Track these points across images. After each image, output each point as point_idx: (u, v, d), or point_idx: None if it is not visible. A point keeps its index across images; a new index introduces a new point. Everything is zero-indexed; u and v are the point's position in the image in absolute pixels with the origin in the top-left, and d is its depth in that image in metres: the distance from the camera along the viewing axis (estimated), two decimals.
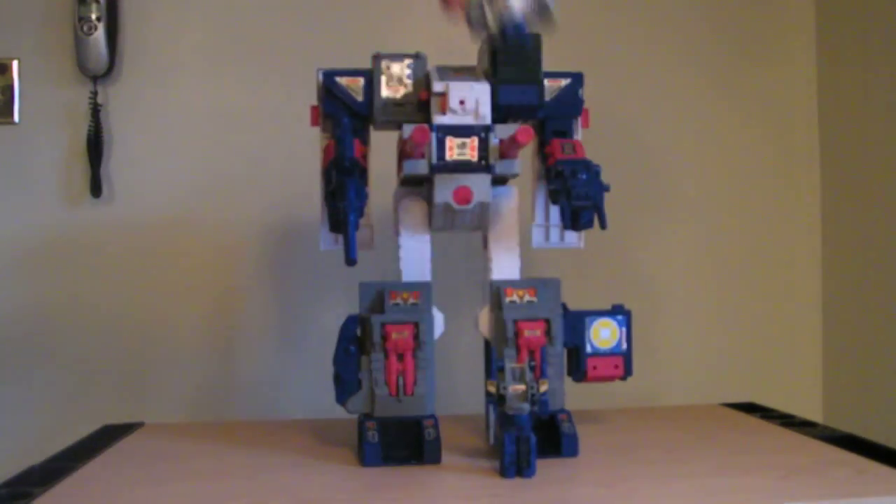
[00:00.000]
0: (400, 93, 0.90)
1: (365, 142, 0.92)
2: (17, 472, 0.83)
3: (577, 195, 0.86)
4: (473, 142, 0.86)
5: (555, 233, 0.98)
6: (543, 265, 1.16)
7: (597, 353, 0.92)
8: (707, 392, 1.30)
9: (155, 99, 1.27)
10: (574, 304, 0.93)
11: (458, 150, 0.86)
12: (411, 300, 0.88)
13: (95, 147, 1.24)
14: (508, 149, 0.85)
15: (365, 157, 0.91)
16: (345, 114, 0.91)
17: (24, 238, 1.25)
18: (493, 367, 0.90)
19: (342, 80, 0.91)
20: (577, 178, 0.87)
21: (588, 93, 0.96)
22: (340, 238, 0.84)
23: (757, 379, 1.36)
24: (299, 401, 1.27)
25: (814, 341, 1.40)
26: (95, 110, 1.24)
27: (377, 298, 0.88)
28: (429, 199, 0.91)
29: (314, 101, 0.94)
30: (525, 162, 0.92)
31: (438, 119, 0.87)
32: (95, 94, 1.24)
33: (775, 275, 1.39)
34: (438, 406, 0.88)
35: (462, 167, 0.87)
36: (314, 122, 0.93)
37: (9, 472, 0.83)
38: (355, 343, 0.87)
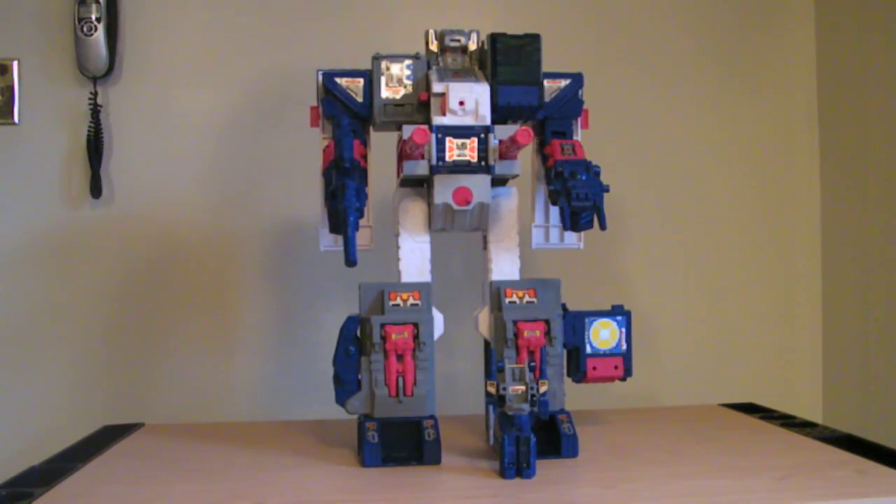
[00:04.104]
0: (400, 94, 0.90)
1: (364, 142, 0.92)
2: (17, 472, 0.83)
3: (576, 196, 0.87)
4: (473, 142, 0.87)
5: (554, 233, 0.98)
6: (543, 265, 1.16)
7: (596, 354, 0.92)
8: (707, 392, 1.30)
9: (155, 100, 1.27)
10: (574, 305, 0.93)
11: (458, 150, 0.86)
12: (411, 301, 0.88)
13: (95, 147, 1.24)
14: (508, 150, 0.86)
15: (364, 157, 0.91)
16: (344, 115, 0.91)
17: (24, 238, 1.25)
18: (492, 368, 0.90)
19: (342, 81, 0.91)
20: (576, 179, 0.87)
21: (588, 93, 0.96)
22: (340, 239, 0.84)
23: (757, 379, 1.36)
24: (299, 401, 1.27)
25: (814, 341, 1.40)
26: (95, 111, 1.23)
27: (377, 299, 0.88)
28: (429, 200, 0.91)
29: (314, 102, 0.94)
30: (525, 163, 0.92)
31: (438, 120, 0.87)
32: (95, 94, 1.24)
33: (775, 275, 1.39)
34: (438, 406, 0.89)
35: (462, 168, 0.87)
36: (314, 123, 0.93)
37: (9, 472, 0.83)
38: (355, 344, 0.87)
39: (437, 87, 0.88)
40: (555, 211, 0.96)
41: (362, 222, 0.86)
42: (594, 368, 0.92)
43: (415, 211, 0.93)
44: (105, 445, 0.96)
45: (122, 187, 1.26)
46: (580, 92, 0.95)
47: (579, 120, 0.96)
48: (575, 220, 0.88)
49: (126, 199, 1.26)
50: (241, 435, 1.02)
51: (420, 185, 0.93)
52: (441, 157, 0.86)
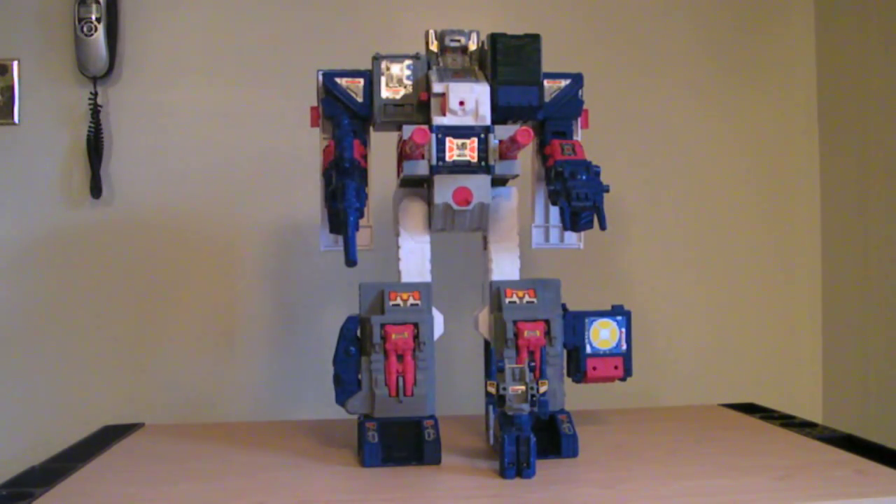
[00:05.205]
0: (400, 94, 0.90)
1: (365, 142, 0.92)
2: (17, 472, 0.83)
3: (576, 196, 0.87)
4: (473, 143, 0.87)
5: (554, 233, 0.98)
6: (543, 265, 1.16)
7: (596, 354, 0.92)
8: (707, 392, 1.30)
9: (155, 100, 1.27)
10: (574, 305, 0.93)
11: (458, 150, 0.86)
12: (411, 301, 0.88)
13: (95, 147, 1.24)
14: (508, 150, 0.86)
15: (365, 157, 0.91)
16: (345, 115, 0.91)
17: (24, 238, 1.25)
18: (492, 368, 0.90)
19: (342, 81, 0.91)
20: (576, 179, 0.87)
21: (588, 93, 0.96)
22: (340, 239, 0.84)
23: (757, 379, 1.36)
24: (299, 401, 1.27)
25: (814, 341, 1.40)
26: (95, 111, 1.24)
27: (377, 299, 0.88)
28: (429, 200, 0.91)
29: (314, 102, 0.94)
30: (525, 163, 0.92)
31: (438, 120, 0.87)
32: (95, 94, 1.24)
33: (775, 275, 1.39)
34: (438, 406, 0.89)
35: (462, 168, 0.87)
36: (314, 123, 0.93)
37: (9, 472, 0.83)
38: (355, 344, 0.87)
39: (437, 88, 0.88)
40: (555, 211, 0.96)
41: (362, 222, 0.86)
42: (594, 368, 0.92)
43: (415, 211, 0.93)
44: (105, 445, 0.96)
45: (122, 187, 1.26)
46: (580, 92, 0.95)
47: (579, 120, 0.96)
48: (575, 220, 0.88)
49: (126, 198, 1.26)
50: (241, 435, 1.02)
51: (420, 185, 0.93)
52: (441, 157, 0.86)
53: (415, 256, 0.92)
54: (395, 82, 0.90)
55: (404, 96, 0.90)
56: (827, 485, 0.77)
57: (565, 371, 0.92)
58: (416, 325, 0.86)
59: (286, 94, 1.26)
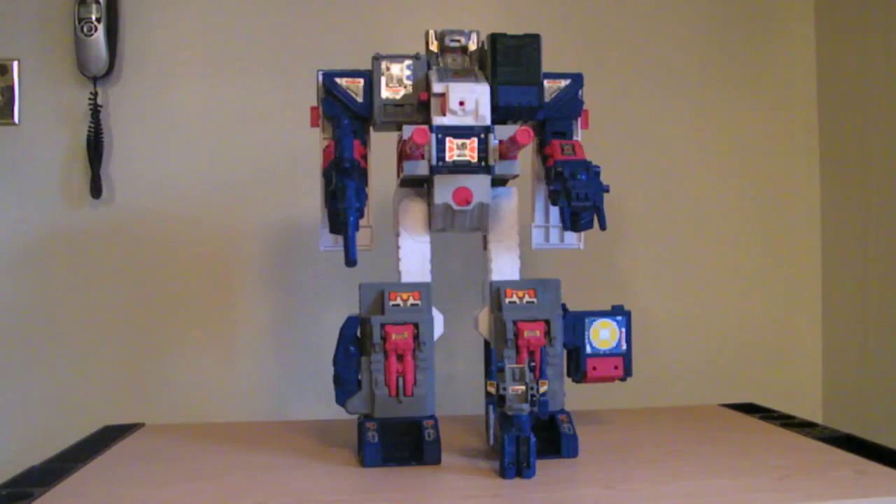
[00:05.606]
0: (400, 94, 0.90)
1: (365, 143, 0.92)
2: (17, 472, 0.83)
3: (576, 196, 0.87)
4: (473, 143, 0.87)
5: (554, 234, 0.98)
6: (543, 265, 1.16)
7: (596, 354, 0.92)
8: (707, 392, 1.30)
9: (155, 100, 1.27)
10: (574, 305, 0.93)
11: (458, 150, 0.86)
12: (411, 301, 0.88)
13: (95, 147, 1.24)
14: (508, 150, 0.86)
15: (365, 157, 0.91)
16: (345, 115, 0.91)
17: (24, 238, 1.25)
18: (492, 368, 0.90)
19: (342, 81, 0.91)
20: (576, 179, 0.87)
21: (588, 94, 0.96)
22: (340, 238, 0.84)
23: (757, 379, 1.36)
24: (299, 401, 1.27)
25: (814, 341, 1.40)
26: (95, 111, 1.24)
27: (377, 299, 0.88)
28: (429, 200, 0.91)
29: (314, 102, 0.94)
30: (525, 163, 0.92)
31: (438, 120, 0.87)
32: (95, 94, 1.24)
33: (775, 275, 1.39)
34: (438, 406, 0.89)
35: (462, 168, 0.87)
36: (314, 123, 0.93)
37: (9, 472, 0.83)
38: (355, 344, 0.87)
39: (437, 88, 0.88)
40: (555, 211, 0.96)
41: (362, 222, 0.86)
42: (594, 368, 0.92)
43: (415, 211, 0.93)
44: (105, 445, 0.96)
45: (122, 187, 1.26)
46: (580, 92, 0.95)
47: (579, 120, 0.96)
48: (575, 220, 0.88)
49: (126, 199, 1.26)
50: (241, 435, 1.02)
51: (420, 185, 0.93)
52: (441, 157, 0.86)
53: (415, 256, 0.92)
54: (395, 82, 0.90)
55: (404, 96, 0.90)
56: (827, 485, 0.77)
57: (565, 371, 0.92)
58: (416, 325, 0.86)
59: (286, 94, 1.27)
